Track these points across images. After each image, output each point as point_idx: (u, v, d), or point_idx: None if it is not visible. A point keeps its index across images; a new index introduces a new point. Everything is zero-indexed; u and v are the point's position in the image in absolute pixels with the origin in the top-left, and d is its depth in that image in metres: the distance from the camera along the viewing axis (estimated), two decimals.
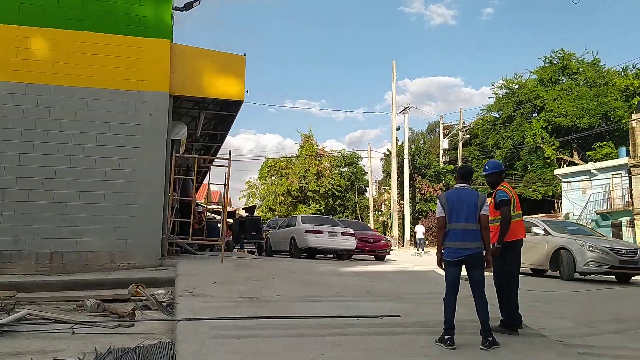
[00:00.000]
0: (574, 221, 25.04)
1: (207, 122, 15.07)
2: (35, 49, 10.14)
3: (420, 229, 34.96)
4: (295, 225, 17.52)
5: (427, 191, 42.97)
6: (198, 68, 11.16)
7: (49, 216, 9.87)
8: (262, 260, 12.83)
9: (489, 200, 5.65)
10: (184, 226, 12.84)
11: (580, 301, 8.89)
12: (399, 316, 6.50)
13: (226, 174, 10.66)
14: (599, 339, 6.13)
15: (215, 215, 35.08)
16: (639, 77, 43.34)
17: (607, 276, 12.88)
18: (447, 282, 5.37)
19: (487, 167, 6.38)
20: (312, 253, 17.21)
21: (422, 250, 31.83)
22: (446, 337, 5.15)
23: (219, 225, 34.98)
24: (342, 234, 16.83)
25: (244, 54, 11.36)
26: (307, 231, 16.54)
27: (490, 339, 5.13)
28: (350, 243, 16.98)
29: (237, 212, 37.09)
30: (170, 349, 4.96)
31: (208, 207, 37.69)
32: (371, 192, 42.69)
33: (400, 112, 38.77)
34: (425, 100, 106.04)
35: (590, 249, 11.68)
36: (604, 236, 14.85)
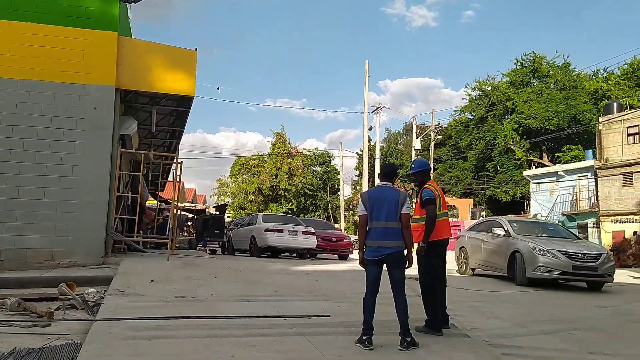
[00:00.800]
0: (551, 222, 22.55)
1: (164, 117, 14.81)
2: None
3: None
4: (255, 224, 17.30)
5: None
6: (147, 62, 10.93)
7: None
8: (213, 259, 12.63)
9: (415, 199, 5.57)
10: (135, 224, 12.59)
11: (523, 302, 8.89)
12: (329, 316, 6.40)
13: (174, 171, 10.38)
14: (529, 340, 6.12)
15: (186, 214, 34.79)
16: (608, 81, 43.98)
17: (578, 283, 11.28)
18: (367, 281, 5.27)
19: (413, 165, 6.31)
20: (272, 252, 17.05)
21: None
22: (364, 337, 5.05)
23: (189, 223, 34.70)
24: (302, 233, 16.68)
25: (195, 49, 11.18)
26: (266, 230, 16.34)
27: (409, 339, 5.05)
28: (311, 242, 16.85)
29: (207, 210, 36.79)
30: (75, 350, 4.77)
31: (179, 205, 37.47)
32: (342, 192, 42.71)
33: (372, 112, 38.69)
34: (406, 101, 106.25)
35: (541, 252, 10.49)
36: (578, 238, 13.14)
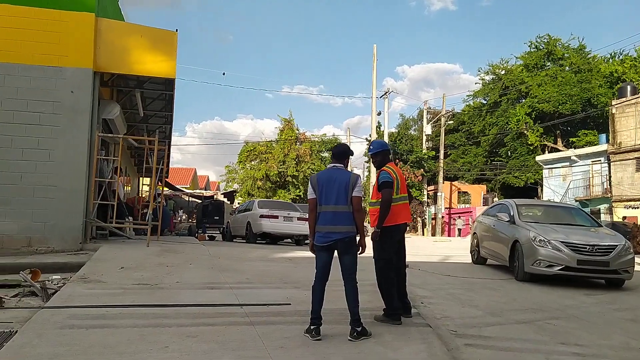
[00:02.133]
0: (571, 205, 19.47)
1: (153, 102, 14.58)
2: None
3: None
4: (251, 210, 17.11)
5: (408, 177, 42.52)
6: (126, 44, 10.65)
7: None
8: (197, 245, 12.38)
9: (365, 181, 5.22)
10: (120, 209, 12.40)
11: (508, 290, 8.47)
12: (289, 304, 6.15)
13: (151, 157, 10.11)
14: (500, 329, 5.80)
15: (196, 200, 34.76)
16: (624, 63, 42.80)
17: (597, 279, 9.45)
18: (316, 268, 4.98)
19: (371, 147, 5.95)
20: (268, 238, 16.85)
21: None
22: (312, 327, 4.78)
23: (197, 210, 34.54)
24: (298, 219, 16.41)
25: (176, 30, 10.84)
26: (261, 216, 16.14)
27: (359, 329, 4.76)
28: (306, 228, 16.55)
29: (215, 197, 36.73)
30: (6, 340, 4.55)
31: (188, 192, 37.45)
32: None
33: (381, 97, 38.18)
34: (424, 87, 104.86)
35: (541, 243, 8.95)
36: (599, 225, 10.80)
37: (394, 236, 5.55)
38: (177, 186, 38.30)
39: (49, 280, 7.19)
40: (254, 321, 5.30)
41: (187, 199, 35.35)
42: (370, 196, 5.88)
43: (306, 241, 17.03)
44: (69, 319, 5.11)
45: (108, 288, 6.61)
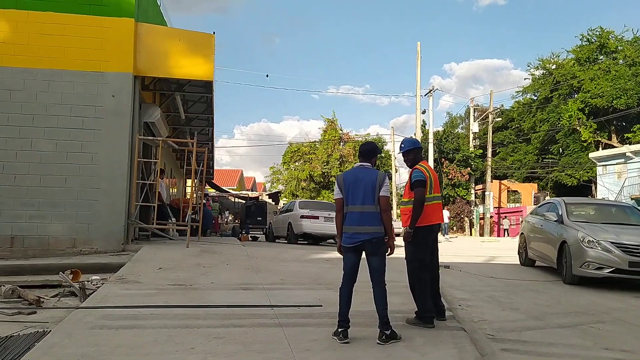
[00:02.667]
0: (626, 203, 16.56)
1: (194, 104, 14.79)
2: None
3: (445, 214, 34.17)
4: (292, 211, 17.12)
5: (454, 176, 41.81)
6: (164, 48, 10.81)
7: (9, 200, 9.78)
8: (236, 246, 12.45)
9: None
10: (163, 211, 12.63)
11: (552, 292, 8.13)
12: (320, 306, 6.05)
13: (190, 157, 10.21)
14: (540, 334, 5.54)
15: (242, 201, 35.19)
16: None
17: None
18: (344, 270, 4.87)
19: (402, 145, 5.77)
20: (310, 239, 16.81)
21: (446, 235, 31.18)
22: (339, 330, 4.68)
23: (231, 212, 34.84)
24: None
25: (213, 32, 10.94)
26: (302, 216, 16.13)
27: (388, 332, 4.62)
28: None
29: (260, 198, 37.07)
30: (37, 339, 4.65)
31: (233, 193, 37.91)
32: (394, 177, 41.76)
33: (425, 95, 37.65)
34: (472, 84, 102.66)
35: (590, 244, 8.48)
36: None
37: (427, 237, 5.37)
38: (223, 187, 38.85)
39: (88, 281, 7.35)
40: (283, 322, 5.23)
41: (233, 200, 35.81)
42: (403, 195, 5.71)
43: None
44: (101, 319, 5.17)
45: (143, 288, 6.68)
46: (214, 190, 33.66)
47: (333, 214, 16.33)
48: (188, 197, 19.03)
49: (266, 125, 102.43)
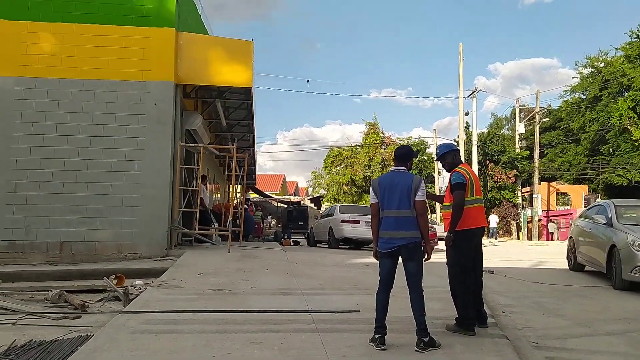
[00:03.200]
0: None
1: (235, 111, 14.98)
2: (43, 44, 10.38)
3: (493, 219, 33.43)
4: (333, 215, 17.10)
5: (500, 178, 40.86)
6: (204, 56, 11.00)
7: (58, 207, 10.12)
8: (277, 250, 12.49)
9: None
10: (205, 216, 12.81)
11: (601, 298, 7.82)
12: (359, 312, 5.96)
13: (231, 163, 10.33)
14: (586, 341, 5.35)
15: (285, 206, 35.46)
16: None
17: None
18: (380, 275, 4.80)
19: (438, 151, 5.64)
20: (351, 243, 16.72)
21: (496, 239, 30.59)
22: (376, 336, 4.60)
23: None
24: None
25: (252, 39, 11.07)
26: (343, 221, 16.08)
27: (426, 339, 4.51)
28: None
29: (302, 202, 37.22)
30: (80, 343, 4.76)
31: (276, 198, 38.21)
32: (437, 181, 41.13)
33: (468, 96, 37.03)
34: (519, 84, 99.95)
35: None
36: None
37: (469, 241, 5.21)
38: (266, 192, 39.21)
39: (131, 286, 7.51)
40: (320, 328, 5.19)
41: (276, 205, 36.10)
42: (444, 199, 5.58)
43: None
44: (143, 324, 5.25)
45: (184, 293, 6.77)
46: (257, 196, 34.01)
47: None
48: (230, 202, 19.29)
49: (308, 130, 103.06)
